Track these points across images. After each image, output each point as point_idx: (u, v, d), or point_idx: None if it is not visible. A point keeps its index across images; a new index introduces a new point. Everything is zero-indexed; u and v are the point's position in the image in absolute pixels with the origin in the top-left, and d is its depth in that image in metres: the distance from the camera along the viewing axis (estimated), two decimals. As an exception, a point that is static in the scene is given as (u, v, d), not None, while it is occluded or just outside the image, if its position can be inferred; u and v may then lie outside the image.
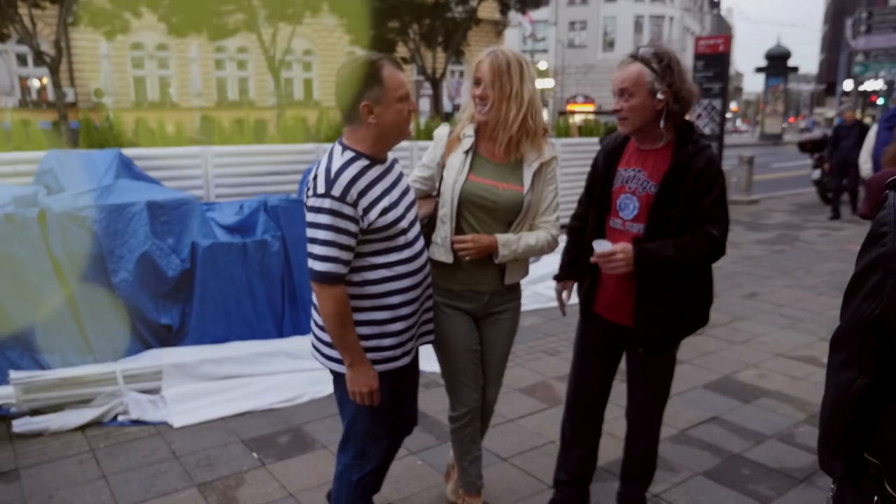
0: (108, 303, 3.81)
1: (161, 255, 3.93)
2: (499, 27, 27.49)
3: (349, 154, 1.97)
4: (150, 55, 24.35)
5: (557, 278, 2.63)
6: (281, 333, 4.35)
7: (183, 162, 5.30)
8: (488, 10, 23.03)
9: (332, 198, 1.88)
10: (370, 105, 1.93)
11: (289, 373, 3.94)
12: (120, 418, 3.50)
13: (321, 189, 1.89)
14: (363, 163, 1.97)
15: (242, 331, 4.18)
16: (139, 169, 4.64)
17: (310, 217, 1.92)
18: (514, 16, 24.39)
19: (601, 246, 2.17)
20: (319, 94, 27.27)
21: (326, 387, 3.84)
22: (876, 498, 1.11)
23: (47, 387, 3.46)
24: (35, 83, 23.23)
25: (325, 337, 2.06)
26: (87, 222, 3.73)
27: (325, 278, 1.92)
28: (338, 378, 2.12)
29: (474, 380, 2.48)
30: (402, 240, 2.04)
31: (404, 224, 2.04)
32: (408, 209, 2.09)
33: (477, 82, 2.28)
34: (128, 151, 4.79)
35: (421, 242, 2.15)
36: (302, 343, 4.16)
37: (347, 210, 1.89)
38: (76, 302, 3.75)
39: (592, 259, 2.21)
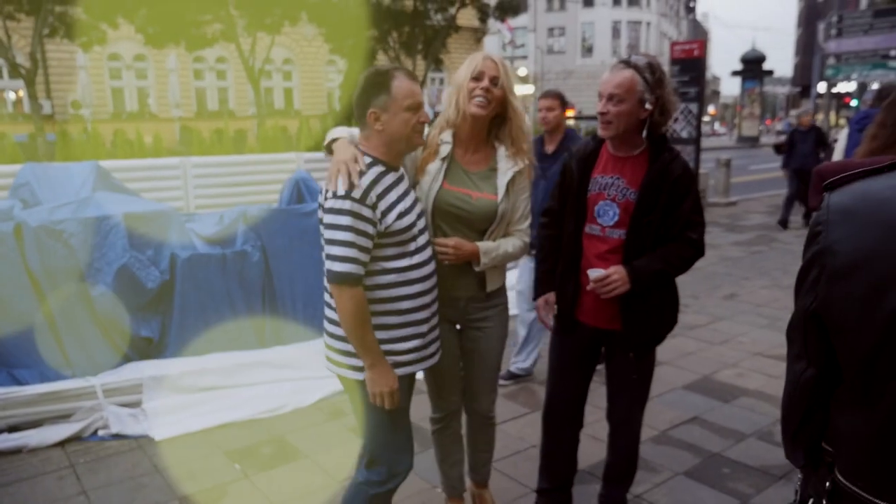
0: (86, 316, 3.78)
1: (140, 268, 3.90)
2: (478, 34, 27.58)
3: (367, 159, 2.03)
4: (128, 66, 24.14)
5: (537, 296, 2.58)
6: (262, 344, 4.33)
7: (162, 173, 5.28)
8: (467, 18, 23.10)
9: (353, 199, 1.92)
10: (377, 113, 2.00)
11: (271, 383, 3.93)
12: (100, 433, 3.46)
13: (341, 191, 1.92)
14: (380, 168, 2.03)
15: (223, 342, 4.16)
16: (117, 181, 4.61)
17: (328, 219, 1.94)
18: (493, 23, 24.50)
19: (595, 273, 2.25)
20: (300, 102, 27.18)
21: (309, 396, 3.84)
22: (828, 484, 1.15)
23: (25, 402, 3.42)
24: (11, 95, 22.95)
25: (341, 346, 2.07)
26: (63, 236, 3.69)
27: (344, 279, 1.94)
28: (355, 387, 2.10)
29: (454, 383, 2.49)
30: (412, 245, 2.08)
31: (415, 231, 2.09)
32: (419, 217, 2.15)
33: (479, 77, 2.21)
34: (106, 163, 4.76)
35: (430, 251, 2.18)
36: (284, 353, 4.15)
37: (366, 212, 1.94)
38: (54, 316, 3.71)
39: (589, 287, 2.27)
